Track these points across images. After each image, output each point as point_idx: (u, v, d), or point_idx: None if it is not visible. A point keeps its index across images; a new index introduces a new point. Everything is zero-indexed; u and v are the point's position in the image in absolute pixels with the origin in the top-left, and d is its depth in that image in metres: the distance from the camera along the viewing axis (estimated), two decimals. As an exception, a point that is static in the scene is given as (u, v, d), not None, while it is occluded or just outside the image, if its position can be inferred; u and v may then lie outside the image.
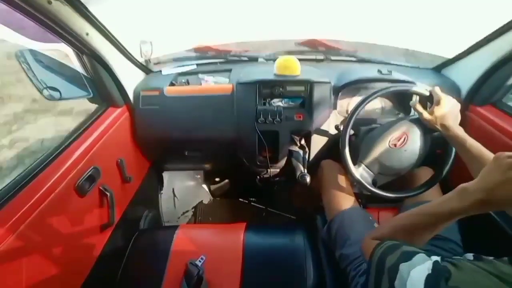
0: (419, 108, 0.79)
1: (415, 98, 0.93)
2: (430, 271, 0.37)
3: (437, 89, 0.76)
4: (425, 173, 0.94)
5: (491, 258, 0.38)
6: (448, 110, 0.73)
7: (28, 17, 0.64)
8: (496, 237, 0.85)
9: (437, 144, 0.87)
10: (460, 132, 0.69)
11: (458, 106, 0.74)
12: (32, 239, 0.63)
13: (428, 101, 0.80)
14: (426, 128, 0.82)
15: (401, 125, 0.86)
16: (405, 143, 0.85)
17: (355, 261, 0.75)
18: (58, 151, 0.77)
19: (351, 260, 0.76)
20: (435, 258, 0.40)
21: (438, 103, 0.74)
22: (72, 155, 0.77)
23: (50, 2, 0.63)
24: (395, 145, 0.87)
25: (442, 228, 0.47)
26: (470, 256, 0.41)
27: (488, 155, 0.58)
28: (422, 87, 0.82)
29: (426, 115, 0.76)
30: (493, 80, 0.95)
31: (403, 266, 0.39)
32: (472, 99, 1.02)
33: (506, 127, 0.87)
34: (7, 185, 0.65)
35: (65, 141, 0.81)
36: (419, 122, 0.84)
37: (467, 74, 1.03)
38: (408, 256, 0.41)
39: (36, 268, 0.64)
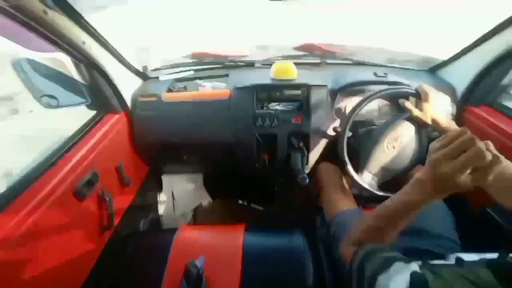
0: (408, 105, 0.81)
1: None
2: (407, 284, 0.36)
3: (424, 86, 0.78)
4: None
5: (473, 259, 0.38)
6: (437, 105, 0.75)
7: (24, 27, 0.65)
8: (493, 233, 0.85)
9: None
10: (451, 125, 0.69)
11: (447, 100, 0.76)
12: (31, 242, 0.63)
13: (418, 98, 0.83)
14: (420, 125, 0.84)
15: (396, 125, 0.88)
16: (401, 143, 0.87)
17: None
18: (57, 156, 0.78)
19: None
20: (414, 266, 0.39)
21: (426, 99, 0.76)
22: (71, 161, 0.78)
23: (45, 12, 0.64)
24: (393, 146, 0.88)
25: (408, 220, 0.47)
26: (453, 258, 0.41)
27: None
28: (408, 87, 0.84)
29: (415, 111, 0.79)
30: (488, 80, 0.96)
31: (381, 278, 0.39)
32: (467, 100, 1.03)
33: (501, 126, 0.88)
34: (6, 189, 0.66)
35: (63, 147, 0.81)
36: (412, 119, 0.86)
37: (462, 75, 1.04)
38: (385, 266, 0.40)
39: (35, 271, 0.64)
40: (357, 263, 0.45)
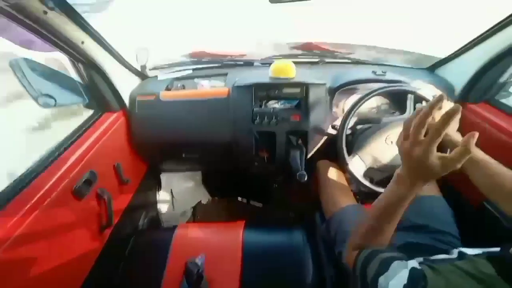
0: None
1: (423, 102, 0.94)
2: (406, 281, 0.37)
3: (441, 95, 0.77)
4: None
5: (476, 253, 0.38)
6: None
7: (24, 27, 0.65)
8: (492, 228, 0.85)
9: None
10: (458, 138, 0.69)
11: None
12: (30, 242, 0.63)
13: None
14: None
15: (398, 124, 0.87)
16: None
17: None
18: (54, 156, 0.78)
19: None
20: (412, 263, 0.39)
21: (439, 108, 0.75)
22: (69, 160, 0.78)
23: (45, 12, 0.64)
24: (391, 142, 0.88)
25: (401, 214, 0.49)
26: (455, 252, 0.41)
27: (487, 159, 0.58)
28: (406, 85, 0.83)
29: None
30: (487, 78, 0.96)
31: (381, 280, 0.40)
32: (466, 97, 1.02)
33: (500, 124, 0.88)
34: (5, 188, 0.66)
35: (60, 146, 0.82)
36: None
37: (460, 73, 1.04)
38: (385, 266, 0.41)
39: (35, 270, 0.64)
40: (359, 268, 0.46)
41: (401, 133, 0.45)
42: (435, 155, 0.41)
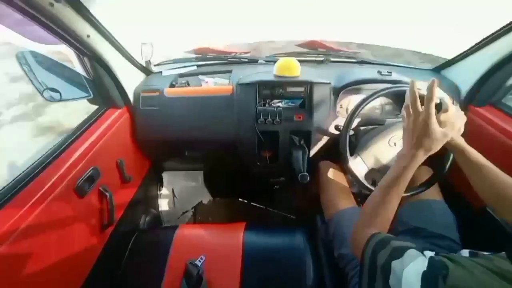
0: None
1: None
2: (425, 268, 0.36)
3: (447, 99, 0.76)
4: (424, 173, 0.94)
5: (487, 253, 0.38)
6: (458, 122, 0.72)
7: (30, 19, 0.65)
8: (492, 233, 0.85)
9: None
10: (461, 142, 0.69)
11: (464, 119, 0.74)
12: (32, 239, 0.63)
13: (436, 108, 0.80)
14: None
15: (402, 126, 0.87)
16: None
17: (354, 261, 0.75)
18: (58, 151, 0.77)
19: (350, 259, 0.76)
20: (430, 253, 0.39)
21: (445, 111, 0.74)
22: (72, 156, 0.78)
23: (52, 5, 0.64)
24: (394, 143, 0.87)
25: (406, 184, 0.57)
26: (466, 252, 0.41)
27: (489, 166, 0.58)
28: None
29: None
30: (493, 81, 0.96)
31: (395, 264, 0.39)
32: (472, 100, 1.02)
33: (505, 127, 0.88)
34: (7, 185, 0.65)
35: (64, 142, 0.81)
36: None
37: (466, 75, 1.04)
38: (399, 252, 0.40)
39: (35, 268, 0.64)
40: (370, 252, 0.45)
41: (404, 114, 0.59)
42: (434, 120, 0.54)
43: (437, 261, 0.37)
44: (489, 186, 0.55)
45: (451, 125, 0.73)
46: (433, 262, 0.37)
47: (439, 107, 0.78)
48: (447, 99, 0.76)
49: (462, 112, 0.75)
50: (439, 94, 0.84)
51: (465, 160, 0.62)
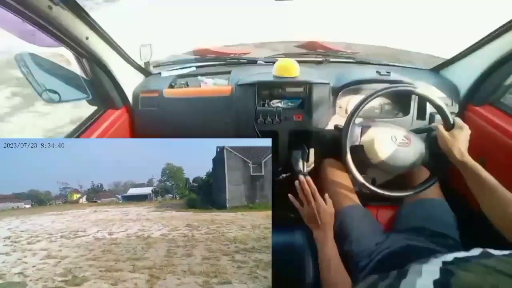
0: (440, 128, 0.75)
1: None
2: (438, 276, 0.34)
3: (459, 120, 0.75)
4: (425, 172, 0.94)
5: (499, 253, 0.36)
6: (466, 140, 0.72)
7: (29, 22, 0.65)
8: (494, 233, 0.85)
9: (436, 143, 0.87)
10: (468, 160, 0.68)
11: (468, 134, 0.73)
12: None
13: (449, 127, 0.77)
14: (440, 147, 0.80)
15: (401, 125, 0.87)
16: (409, 142, 0.85)
17: (355, 258, 0.74)
18: None
19: (351, 257, 0.75)
20: (435, 261, 0.37)
21: (460, 127, 0.73)
22: None
23: (50, 7, 0.64)
24: (396, 138, 0.87)
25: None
26: (476, 251, 0.39)
27: (502, 190, 0.57)
28: (410, 86, 0.82)
29: (446, 135, 0.73)
30: (492, 80, 0.96)
31: (404, 283, 0.37)
32: (471, 99, 1.02)
33: (504, 126, 0.88)
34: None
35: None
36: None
37: (465, 75, 1.04)
38: (402, 274, 0.39)
39: None
40: None
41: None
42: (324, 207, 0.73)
43: (446, 268, 0.35)
44: (501, 211, 0.56)
45: (465, 143, 0.72)
46: (442, 269, 0.35)
47: (451, 125, 0.77)
48: (459, 120, 0.75)
49: (468, 129, 0.75)
50: (436, 93, 0.84)
51: (478, 181, 0.64)
